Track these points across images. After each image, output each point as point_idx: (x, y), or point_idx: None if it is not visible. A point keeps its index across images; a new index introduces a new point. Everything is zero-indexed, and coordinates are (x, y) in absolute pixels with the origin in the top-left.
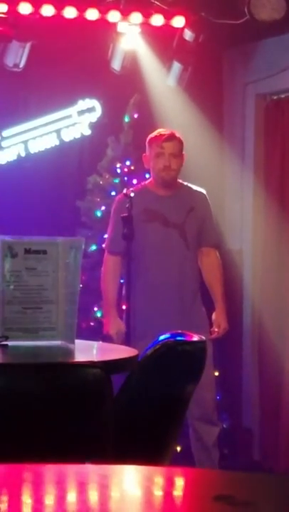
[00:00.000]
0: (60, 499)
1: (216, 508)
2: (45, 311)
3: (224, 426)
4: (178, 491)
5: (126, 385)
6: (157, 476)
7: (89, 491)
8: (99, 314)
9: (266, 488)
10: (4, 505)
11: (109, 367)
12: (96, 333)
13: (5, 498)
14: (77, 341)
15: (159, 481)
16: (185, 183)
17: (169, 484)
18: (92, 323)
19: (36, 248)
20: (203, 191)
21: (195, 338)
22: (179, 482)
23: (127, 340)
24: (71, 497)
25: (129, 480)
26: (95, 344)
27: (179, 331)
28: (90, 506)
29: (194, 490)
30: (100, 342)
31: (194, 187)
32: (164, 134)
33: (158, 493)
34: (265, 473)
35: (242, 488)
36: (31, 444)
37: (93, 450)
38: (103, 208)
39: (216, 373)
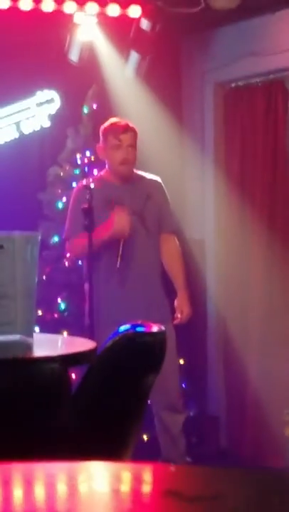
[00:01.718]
0: (24, 498)
1: (166, 503)
2: (2, 306)
3: (191, 414)
4: (127, 487)
5: (86, 377)
6: (106, 471)
7: (48, 488)
8: (63, 306)
9: (217, 483)
10: None
11: (67, 361)
12: (60, 324)
13: None
14: (36, 335)
15: (108, 476)
16: (139, 172)
17: (119, 481)
18: (56, 315)
19: None
20: (158, 179)
21: (154, 328)
22: (128, 477)
23: (90, 330)
24: (34, 495)
25: (76, 477)
26: (55, 338)
27: (139, 322)
28: (48, 504)
29: (144, 485)
30: (61, 335)
31: (148, 175)
32: (120, 125)
33: (106, 489)
34: (225, 463)
35: (192, 483)
36: None
37: (53, 446)
38: (64, 199)
39: (181, 362)
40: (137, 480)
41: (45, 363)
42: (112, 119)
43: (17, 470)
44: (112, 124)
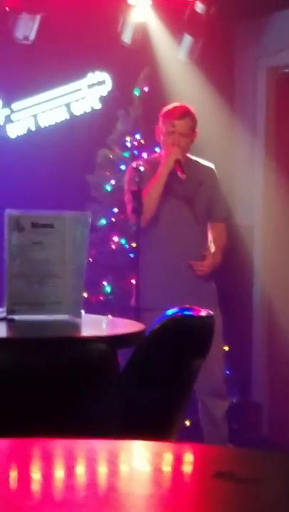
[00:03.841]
0: (67, 474)
1: (216, 484)
2: (51, 285)
3: (233, 401)
4: (177, 468)
5: (133, 359)
6: (157, 452)
7: (91, 466)
8: (108, 289)
9: (267, 465)
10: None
11: (115, 341)
12: (105, 307)
13: (13, 473)
14: (84, 316)
15: (159, 457)
16: (193, 158)
17: (169, 460)
18: (101, 298)
19: (43, 222)
20: (212, 166)
21: (203, 313)
22: (179, 458)
23: (135, 314)
24: (77, 472)
25: (128, 456)
26: (103, 319)
27: (187, 306)
28: (91, 481)
29: (194, 466)
30: (108, 316)
31: (203, 161)
32: (177, 111)
33: (157, 469)
34: (267, 450)
35: (243, 465)
36: (36, 420)
37: (99, 425)
38: (113, 182)
39: (226, 348)
40: (189, 459)
41: (93, 343)
42: (175, 104)
43: (61, 446)
44: (170, 109)
